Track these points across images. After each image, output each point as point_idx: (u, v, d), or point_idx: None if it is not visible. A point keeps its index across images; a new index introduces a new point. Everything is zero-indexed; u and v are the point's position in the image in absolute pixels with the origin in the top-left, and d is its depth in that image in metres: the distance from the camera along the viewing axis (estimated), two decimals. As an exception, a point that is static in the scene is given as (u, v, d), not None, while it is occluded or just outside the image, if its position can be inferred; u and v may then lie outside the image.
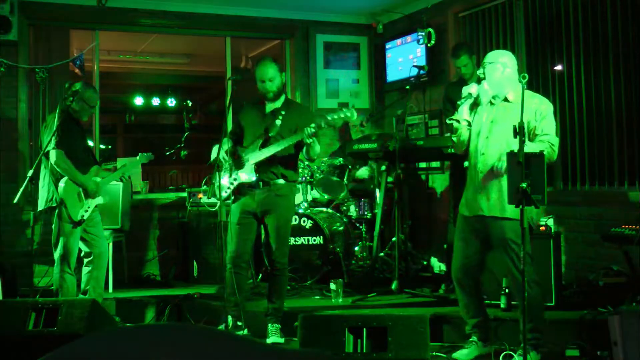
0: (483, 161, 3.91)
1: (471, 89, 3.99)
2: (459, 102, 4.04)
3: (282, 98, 4.62)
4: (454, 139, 4.08)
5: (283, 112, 4.53)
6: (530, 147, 3.70)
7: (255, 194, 4.51)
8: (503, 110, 3.90)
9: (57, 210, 4.74)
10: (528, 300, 3.76)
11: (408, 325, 3.57)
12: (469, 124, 4.02)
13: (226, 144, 4.50)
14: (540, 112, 3.83)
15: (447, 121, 4.10)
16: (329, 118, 4.30)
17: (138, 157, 5.38)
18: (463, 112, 4.01)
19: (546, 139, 3.79)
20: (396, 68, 7.12)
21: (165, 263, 6.71)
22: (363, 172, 6.52)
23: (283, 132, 4.48)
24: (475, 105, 4.03)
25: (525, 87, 3.57)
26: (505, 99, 3.91)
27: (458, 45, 5.67)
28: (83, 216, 4.79)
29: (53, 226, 4.79)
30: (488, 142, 3.90)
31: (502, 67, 3.90)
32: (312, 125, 4.28)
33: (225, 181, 4.52)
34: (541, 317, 3.90)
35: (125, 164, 5.39)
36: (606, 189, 5.20)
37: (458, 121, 4.00)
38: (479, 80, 4.01)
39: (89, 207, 4.83)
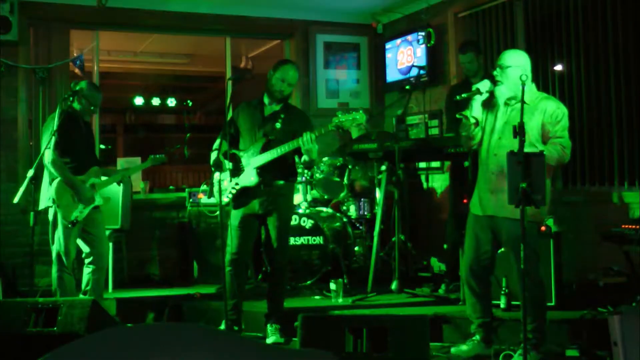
0: (496, 162, 3.90)
1: (482, 85, 3.96)
2: (464, 95, 4.02)
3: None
4: (463, 133, 4.06)
5: (282, 116, 4.54)
6: (543, 150, 3.73)
7: (256, 196, 4.51)
8: (518, 112, 3.88)
9: (53, 210, 4.74)
10: (533, 299, 3.77)
11: (408, 325, 3.57)
12: (477, 122, 4.01)
13: (225, 146, 4.51)
14: (556, 116, 3.85)
15: (457, 115, 4.09)
16: (336, 121, 4.28)
17: (149, 160, 5.37)
18: (474, 109, 4.00)
19: (558, 141, 3.82)
20: (396, 68, 7.12)
21: (165, 263, 6.71)
22: (362, 184, 6.50)
23: (283, 135, 4.48)
24: (488, 105, 4.02)
25: (524, 87, 3.58)
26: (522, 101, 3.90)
27: (467, 42, 5.70)
28: (77, 217, 4.74)
29: (49, 226, 4.78)
30: (500, 143, 3.90)
31: (518, 70, 3.87)
32: (309, 132, 4.27)
33: (226, 185, 4.52)
34: (544, 317, 3.90)
35: (127, 168, 5.40)
36: (606, 189, 5.20)
37: (467, 117, 3.99)
38: (492, 80, 3.97)
39: (84, 208, 4.80)
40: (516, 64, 3.90)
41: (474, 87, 3.99)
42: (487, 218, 3.97)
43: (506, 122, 3.91)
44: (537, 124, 3.86)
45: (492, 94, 3.99)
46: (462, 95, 4.01)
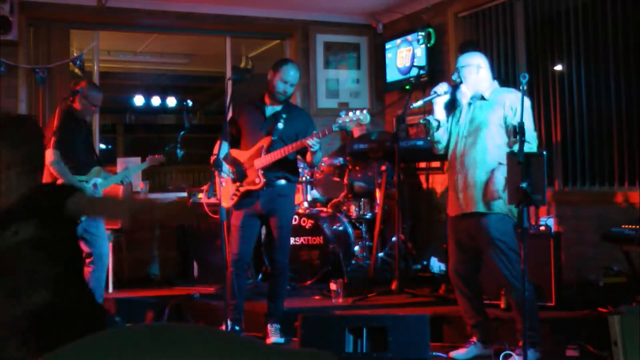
0: (462, 162, 3.96)
1: (438, 87, 4.06)
2: (420, 102, 4.15)
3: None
4: (429, 138, 4.17)
5: (284, 116, 4.52)
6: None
7: (258, 196, 4.50)
8: (479, 108, 3.98)
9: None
10: (520, 299, 3.77)
11: (408, 325, 3.57)
12: (439, 124, 4.07)
13: (225, 147, 4.50)
14: (516, 108, 3.81)
15: (421, 121, 4.20)
16: (340, 122, 4.28)
17: (147, 161, 5.36)
18: (436, 112, 4.09)
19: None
20: (396, 68, 7.12)
21: (165, 263, 6.70)
22: (362, 184, 6.51)
23: (285, 136, 4.47)
24: (452, 108, 4.11)
25: (525, 87, 3.58)
26: (482, 98, 3.99)
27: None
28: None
29: None
30: (466, 141, 3.97)
31: (476, 68, 3.98)
32: (316, 132, 4.30)
33: (229, 188, 4.51)
34: (534, 315, 3.90)
35: (127, 168, 5.39)
36: (606, 189, 5.20)
37: (428, 121, 4.08)
38: (454, 84, 4.06)
39: None
40: (470, 63, 3.99)
41: (432, 91, 4.08)
42: (461, 218, 3.99)
43: (470, 120, 3.98)
44: (497, 118, 3.90)
45: (454, 97, 4.08)
46: (420, 102, 4.12)
